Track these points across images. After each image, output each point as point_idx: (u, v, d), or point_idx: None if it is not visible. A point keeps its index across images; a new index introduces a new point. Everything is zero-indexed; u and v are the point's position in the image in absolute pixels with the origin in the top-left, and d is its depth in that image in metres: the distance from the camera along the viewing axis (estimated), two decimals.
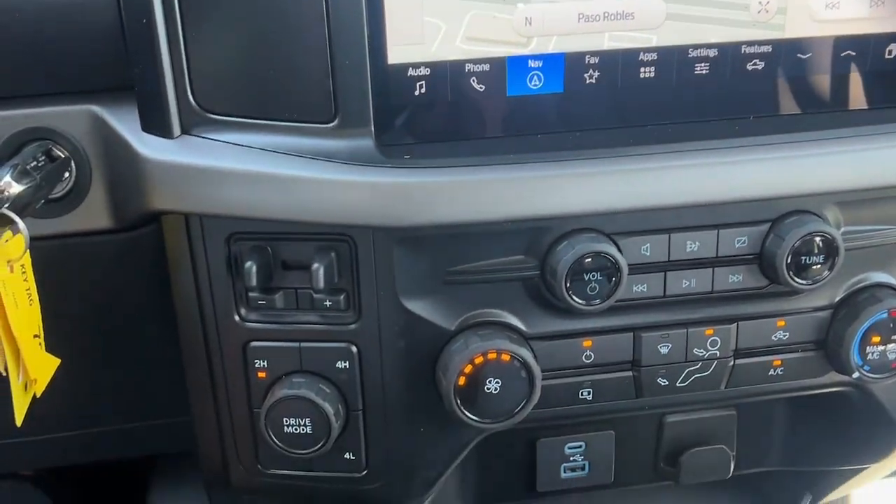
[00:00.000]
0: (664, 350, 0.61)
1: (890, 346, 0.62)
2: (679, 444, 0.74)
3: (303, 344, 0.59)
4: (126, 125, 0.57)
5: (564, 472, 0.74)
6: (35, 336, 0.54)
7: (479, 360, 0.57)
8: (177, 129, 0.56)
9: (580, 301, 0.56)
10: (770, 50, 0.60)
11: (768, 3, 0.59)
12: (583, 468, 0.74)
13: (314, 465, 0.62)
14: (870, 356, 0.62)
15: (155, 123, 0.56)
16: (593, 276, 0.56)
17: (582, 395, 0.62)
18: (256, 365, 0.60)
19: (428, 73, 0.57)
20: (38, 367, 0.54)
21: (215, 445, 0.65)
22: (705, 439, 0.74)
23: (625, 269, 0.56)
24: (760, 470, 0.79)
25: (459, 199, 0.55)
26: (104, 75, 0.57)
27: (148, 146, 0.56)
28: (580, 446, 0.73)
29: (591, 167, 0.56)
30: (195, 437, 0.67)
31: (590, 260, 0.56)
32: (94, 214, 0.59)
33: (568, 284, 0.56)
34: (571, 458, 0.73)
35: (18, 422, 0.54)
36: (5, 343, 0.51)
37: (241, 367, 0.60)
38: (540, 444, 0.72)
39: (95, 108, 0.57)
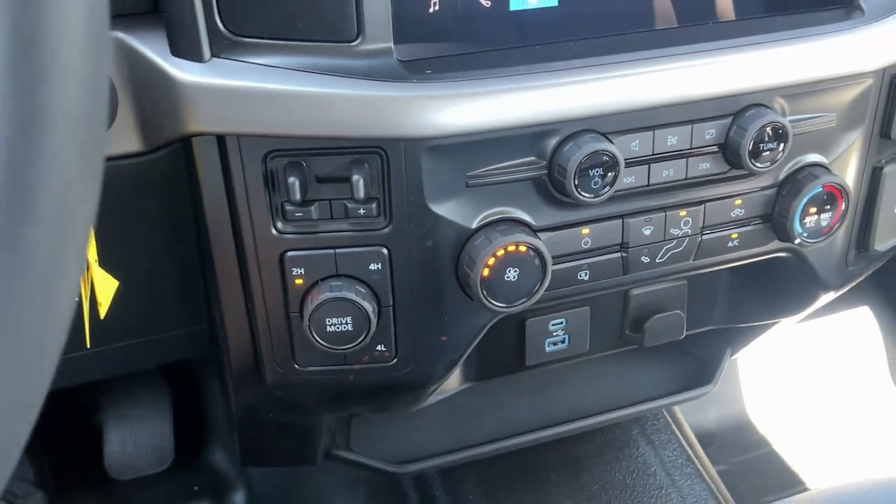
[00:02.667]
0: (647, 232, 0.71)
1: (823, 215, 0.74)
2: (641, 312, 0.86)
3: (337, 250, 0.64)
4: (155, 50, 0.58)
5: (548, 346, 0.84)
6: (95, 260, 0.57)
7: (500, 252, 0.65)
8: (207, 53, 0.58)
9: (587, 194, 0.64)
10: None
11: None
12: (563, 341, 0.84)
13: (348, 359, 0.69)
14: (807, 225, 0.74)
15: (185, 47, 0.58)
16: (596, 171, 0.64)
17: (580, 276, 0.71)
18: (294, 273, 0.65)
19: None
20: (102, 290, 0.57)
21: (248, 350, 0.70)
22: (662, 307, 0.86)
23: (622, 164, 0.65)
24: (706, 329, 0.92)
25: (479, 108, 0.62)
26: (126, 1, 0.59)
27: (181, 69, 0.58)
28: (561, 322, 0.83)
29: (590, 74, 0.64)
30: (221, 344, 0.71)
31: (593, 157, 0.64)
32: (122, 139, 0.61)
33: (576, 181, 0.64)
34: (554, 334, 0.83)
35: (89, 343, 0.57)
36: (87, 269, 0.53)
37: (277, 276, 0.65)
38: (528, 323, 0.81)
39: (121, 34, 0.58)
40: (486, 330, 0.72)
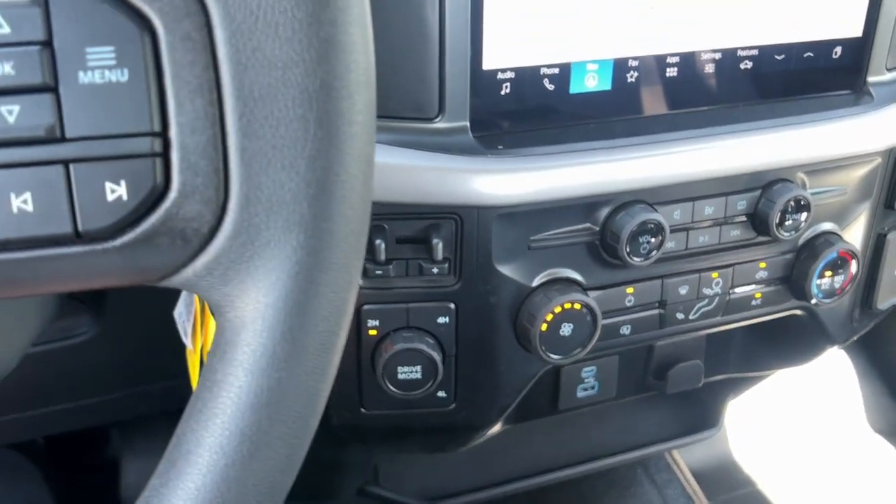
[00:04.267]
0: (683, 291, 0.78)
1: (836, 277, 0.82)
2: (664, 361, 0.93)
3: (410, 305, 0.70)
4: None
5: (580, 392, 0.90)
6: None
7: (557, 309, 0.71)
8: None
9: (637, 258, 0.71)
10: (756, 53, 0.77)
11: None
12: (593, 388, 0.91)
13: (412, 404, 0.75)
14: (822, 286, 0.82)
15: None
16: (645, 238, 0.71)
17: (622, 330, 0.78)
18: (369, 324, 0.71)
19: (513, 76, 0.69)
20: (209, 332, 0.62)
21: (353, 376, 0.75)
22: (683, 357, 0.93)
23: (667, 231, 0.72)
24: (722, 377, 0.99)
25: (544, 181, 0.69)
26: None
27: None
28: (592, 370, 0.90)
29: (641, 151, 0.71)
30: None
31: (643, 225, 0.71)
32: None
33: (627, 246, 0.71)
34: (585, 380, 0.90)
35: (195, 385, 0.62)
36: (202, 315, 0.59)
37: (353, 327, 0.71)
38: (563, 371, 0.88)
39: None
40: (535, 379, 0.78)
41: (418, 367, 0.71)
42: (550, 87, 0.71)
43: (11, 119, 0.27)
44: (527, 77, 0.69)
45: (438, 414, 0.76)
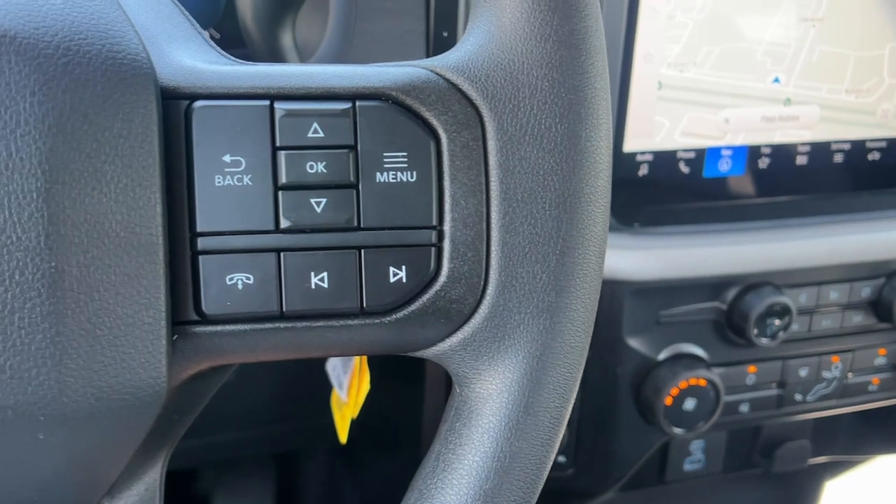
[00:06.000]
0: (803, 373, 0.80)
1: None
2: (771, 440, 0.94)
3: None
4: None
5: (687, 465, 0.91)
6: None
7: (683, 384, 0.73)
8: None
9: (763, 339, 0.73)
10: (885, 145, 0.79)
11: (887, 111, 0.78)
12: (700, 461, 0.92)
13: None
14: None
15: None
16: (772, 319, 0.73)
17: (741, 408, 0.80)
18: None
19: (651, 159, 0.72)
20: (363, 392, 0.66)
21: None
22: (790, 436, 0.94)
23: (794, 314, 0.74)
24: (827, 459, 0.99)
25: (677, 260, 0.72)
26: None
27: None
28: (701, 444, 0.91)
29: (771, 235, 0.74)
30: (421, 434, 0.80)
31: (771, 307, 0.73)
32: None
33: (754, 327, 0.73)
34: (693, 454, 0.91)
35: (343, 439, 0.66)
36: (359, 373, 0.63)
37: None
38: (673, 442, 0.89)
39: None
40: (654, 449, 0.80)
41: None
42: (686, 169, 0.74)
43: (318, 209, 0.32)
44: (664, 160, 0.73)
45: (556, 478, 0.78)
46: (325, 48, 0.64)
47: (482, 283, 0.33)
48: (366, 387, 0.64)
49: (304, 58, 0.59)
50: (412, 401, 0.82)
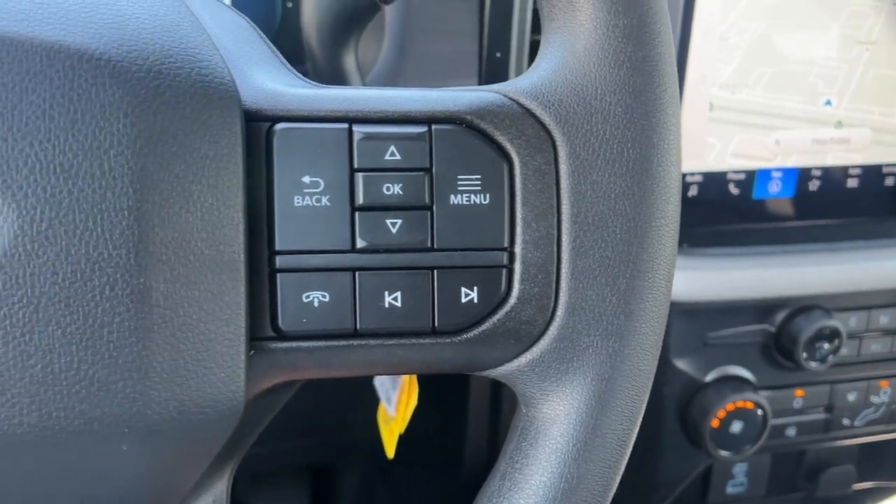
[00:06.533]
0: (851, 398, 0.79)
1: None
2: (816, 464, 0.92)
3: None
4: None
5: (729, 487, 0.91)
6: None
7: (730, 406, 0.73)
8: None
9: (812, 362, 0.73)
10: None
11: None
12: (743, 485, 0.91)
13: None
14: None
15: None
16: (820, 343, 0.73)
17: (787, 432, 0.79)
18: None
19: (701, 180, 0.72)
20: (410, 407, 0.67)
21: (483, 458, 0.79)
22: (835, 460, 0.92)
23: (844, 338, 0.73)
24: (874, 485, 0.97)
25: (725, 281, 0.71)
26: None
27: None
28: (744, 467, 0.90)
29: (821, 258, 0.73)
30: (463, 451, 0.81)
31: (821, 331, 0.72)
32: None
33: (803, 350, 0.72)
34: (736, 477, 0.90)
35: (390, 454, 0.67)
36: (408, 389, 0.63)
37: None
38: (715, 465, 0.89)
39: None
40: (698, 471, 0.79)
41: None
42: (736, 191, 0.74)
43: (394, 230, 0.32)
44: (714, 181, 0.73)
45: None
46: (379, 68, 0.65)
47: (552, 304, 0.33)
48: (413, 402, 0.65)
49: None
50: (455, 418, 0.82)
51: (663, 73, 0.33)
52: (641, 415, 0.36)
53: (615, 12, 0.32)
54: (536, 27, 0.65)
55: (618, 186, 0.33)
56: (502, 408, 0.75)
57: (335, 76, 0.51)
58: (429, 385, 0.79)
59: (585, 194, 0.32)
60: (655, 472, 0.78)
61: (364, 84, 0.54)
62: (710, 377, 0.74)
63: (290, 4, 0.72)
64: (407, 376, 0.64)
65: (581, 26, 0.32)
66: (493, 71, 0.66)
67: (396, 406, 0.65)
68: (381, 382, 0.68)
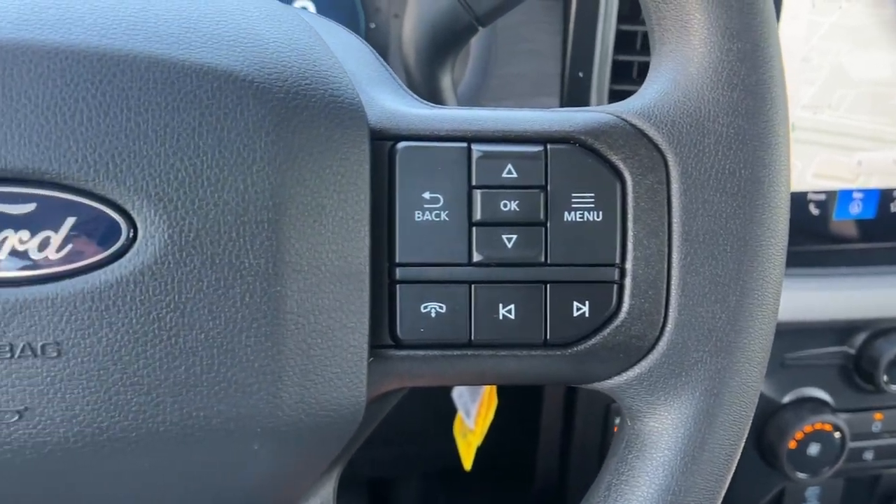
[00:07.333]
0: None
1: None
2: (890, 490, 0.91)
3: None
4: None
5: None
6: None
7: (808, 428, 0.72)
8: None
9: (894, 386, 0.72)
10: None
11: None
12: None
13: None
14: None
15: None
16: None
17: (864, 455, 0.78)
18: (616, 421, 0.75)
19: None
20: (488, 419, 0.68)
21: (555, 474, 0.80)
22: None
23: None
24: None
25: (804, 302, 0.71)
26: None
27: None
28: (817, 490, 0.89)
29: None
30: (535, 467, 0.82)
31: None
32: None
33: (884, 374, 0.72)
34: (808, 500, 0.89)
35: (467, 466, 0.68)
36: (488, 402, 0.64)
37: (601, 423, 0.75)
38: (787, 487, 0.88)
39: None
40: (771, 495, 0.79)
41: None
42: (816, 211, 0.73)
43: (509, 245, 0.33)
44: (794, 202, 0.72)
45: None
46: (463, 88, 0.67)
47: (662, 320, 0.34)
48: (491, 415, 0.66)
49: None
50: (526, 432, 0.83)
51: (775, 96, 0.34)
52: (748, 429, 0.36)
53: (730, 36, 0.33)
54: (619, 48, 0.66)
55: (729, 206, 0.33)
56: (575, 422, 0.76)
57: (431, 96, 0.52)
58: (500, 398, 0.80)
59: (696, 213, 0.33)
60: (729, 492, 0.77)
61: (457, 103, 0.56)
62: (787, 398, 0.74)
63: (373, 25, 0.74)
64: (487, 389, 0.65)
65: (695, 50, 0.33)
66: (574, 91, 0.67)
67: (475, 418, 0.66)
68: (458, 394, 0.69)
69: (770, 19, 0.34)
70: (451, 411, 0.80)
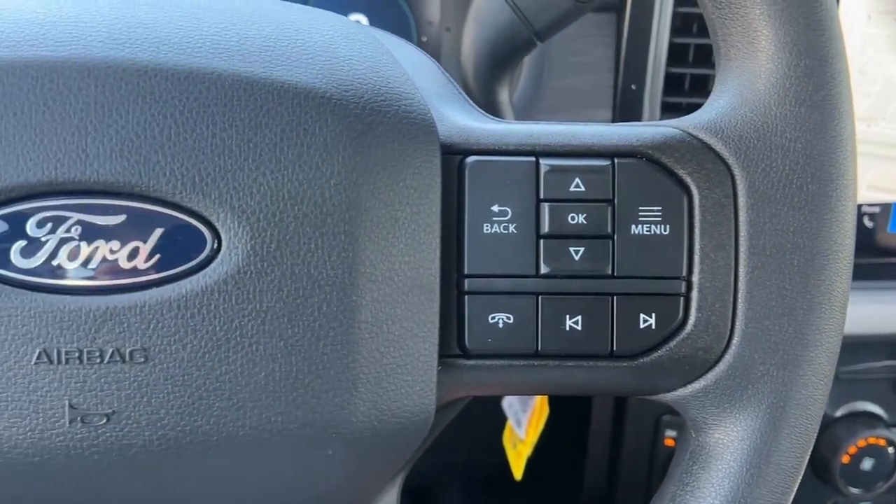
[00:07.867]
0: None
1: None
2: None
3: None
4: None
5: None
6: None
7: (861, 443, 0.72)
8: None
9: None
10: None
11: None
12: None
13: None
14: None
15: None
16: None
17: None
18: (666, 434, 0.75)
19: None
20: (537, 431, 0.68)
21: (603, 485, 0.80)
22: None
23: None
24: None
25: (858, 315, 0.70)
26: None
27: None
28: None
29: None
30: (583, 477, 0.82)
31: None
32: None
33: None
34: None
35: (518, 475, 0.68)
36: (539, 411, 0.65)
37: (650, 434, 0.75)
38: (840, 501, 0.86)
39: None
40: None
41: None
42: (870, 224, 0.73)
43: (576, 258, 0.34)
44: None
45: None
46: (516, 101, 0.68)
47: (728, 333, 0.34)
48: (542, 425, 0.66)
49: None
50: (575, 441, 0.83)
51: (842, 112, 0.34)
52: (813, 442, 0.36)
53: (797, 53, 0.33)
54: (671, 60, 0.66)
55: (796, 220, 0.34)
56: (625, 432, 0.76)
57: (489, 109, 0.53)
58: (550, 408, 0.80)
59: (763, 227, 0.34)
60: None
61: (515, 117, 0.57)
62: (840, 412, 0.73)
63: (424, 39, 0.75)
64: (539, 398, 0.65)
65: (762, 66, 0.34)
66: (627, 103, 0.67)
67: (526, 428, 0.66)
68: (509, 404, 0.70)
69: (837, 36, 0.34)
70: (497, 420, 0.80)
